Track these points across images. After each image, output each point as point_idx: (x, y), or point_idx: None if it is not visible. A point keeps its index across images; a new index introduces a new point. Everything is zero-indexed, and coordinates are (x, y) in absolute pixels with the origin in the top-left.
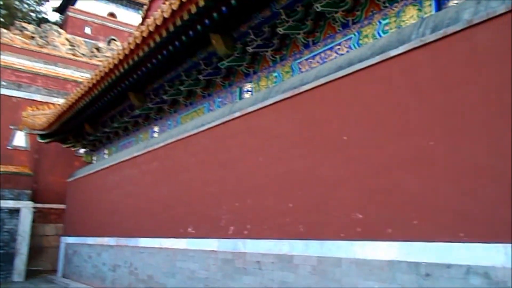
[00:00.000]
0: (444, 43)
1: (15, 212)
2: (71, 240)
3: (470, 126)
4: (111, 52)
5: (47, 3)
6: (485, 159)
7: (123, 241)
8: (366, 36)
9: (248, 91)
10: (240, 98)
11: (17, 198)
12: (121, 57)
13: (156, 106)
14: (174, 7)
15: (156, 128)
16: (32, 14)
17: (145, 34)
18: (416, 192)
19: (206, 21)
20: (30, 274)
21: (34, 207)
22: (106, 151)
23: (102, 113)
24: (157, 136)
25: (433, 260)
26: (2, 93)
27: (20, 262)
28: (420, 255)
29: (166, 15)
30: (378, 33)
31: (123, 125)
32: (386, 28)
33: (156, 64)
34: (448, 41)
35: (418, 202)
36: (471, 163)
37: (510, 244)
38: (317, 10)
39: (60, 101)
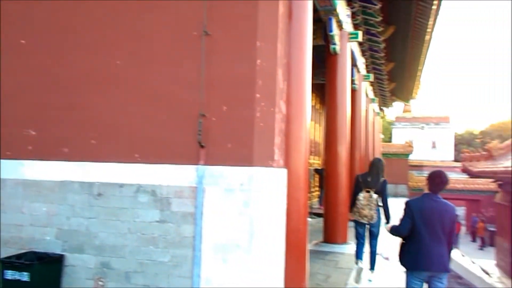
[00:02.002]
0: None
1: None
2: None
3: (157, 51)
4: None
5: None
6: (166, 86)
7: None
8: None
9: None
10: None
11: None
12: None
13: None
14: None
15: None
16: None
17: None
18: (99, 111)
19: None
20: None
21: None
22: None
23: None
24: None
25: (107, 180)
26: None
27: None
28: (94, 176)
29: None
30: None
31: None
32: None
33: None
34: None
35: (99, 121)
36: (154, 88)
37: (175, 165)
38: None
39: None
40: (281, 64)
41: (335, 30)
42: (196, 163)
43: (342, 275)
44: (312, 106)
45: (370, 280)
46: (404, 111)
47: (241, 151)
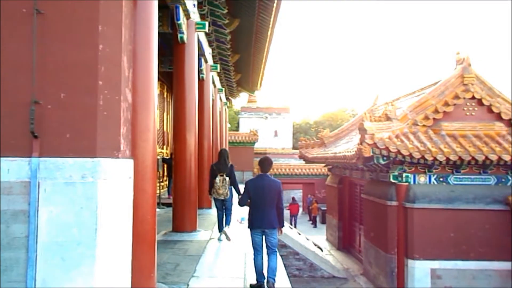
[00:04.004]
0: None
1: None
2: None
3: None
4: None
5: None
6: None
7: None
8: None
9: None
10: None
11: None
12: None
13: None
14: None
15: None
16: None
17: None
18: None
19: None
20: None
21: None
22: None
23: None
24: None
25: None
26: None
27: None
28: None
29: None
30: None
31: None
32: None
33: None
34: None
35: None
36: None
37: (2, 158)
38: None
39: None
40: (126, 50)
41: (182, 19)
42: (28, 155)
43: (192, 261)
44: (160, 95)
45: (226, 236)
46: (249, 101)
47: (83, 142)
